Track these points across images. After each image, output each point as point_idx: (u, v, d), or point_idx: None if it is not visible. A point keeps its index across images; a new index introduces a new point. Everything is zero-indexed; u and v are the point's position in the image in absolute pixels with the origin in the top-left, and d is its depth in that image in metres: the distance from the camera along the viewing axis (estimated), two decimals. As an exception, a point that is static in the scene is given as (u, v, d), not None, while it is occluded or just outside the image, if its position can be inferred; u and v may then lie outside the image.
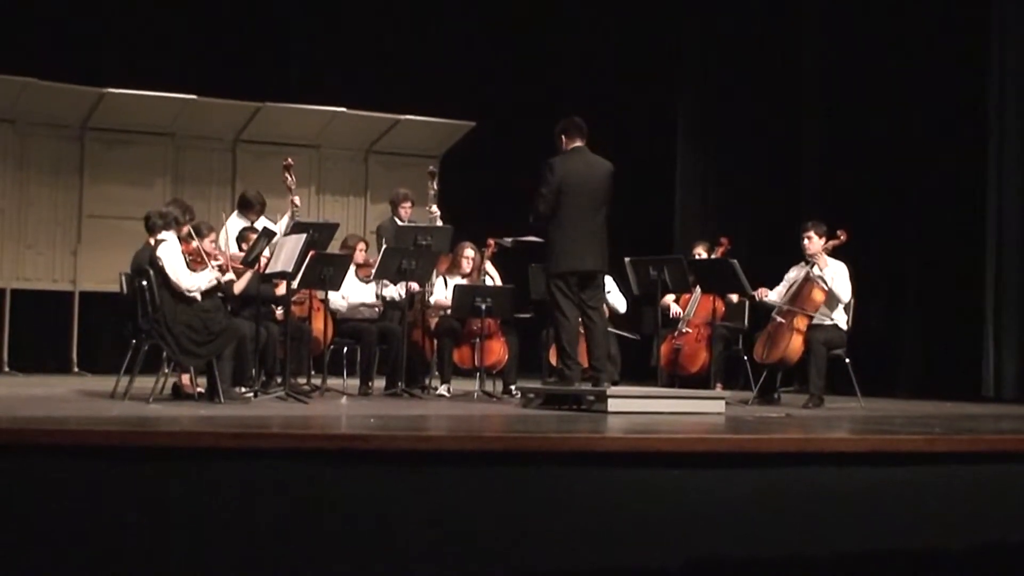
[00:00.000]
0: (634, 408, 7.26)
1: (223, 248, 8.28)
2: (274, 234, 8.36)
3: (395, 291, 9.32)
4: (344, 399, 8.60)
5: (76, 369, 11.51)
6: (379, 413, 7.06)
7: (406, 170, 12.67)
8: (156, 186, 12.00)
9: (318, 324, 8.93)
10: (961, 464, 5.60)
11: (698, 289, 9.58)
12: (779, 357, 8.68)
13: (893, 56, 11.19)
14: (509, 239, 9.57)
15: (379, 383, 9.29)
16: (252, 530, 4.66)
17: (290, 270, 7.92)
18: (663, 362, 9.30)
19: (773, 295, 8.92)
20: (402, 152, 13.09)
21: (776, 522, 5.26)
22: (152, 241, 7.69)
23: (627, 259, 9.15)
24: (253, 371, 8.00)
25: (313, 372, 9.21)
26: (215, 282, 7.66)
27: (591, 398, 7.44)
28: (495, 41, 13.54)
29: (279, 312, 8.60)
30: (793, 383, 9.25)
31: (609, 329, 8.76)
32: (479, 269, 9.60)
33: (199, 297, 7.57)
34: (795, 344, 8.63)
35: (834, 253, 8.81)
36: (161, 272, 7.46)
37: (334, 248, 9.60)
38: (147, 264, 7.55)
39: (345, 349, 9.45)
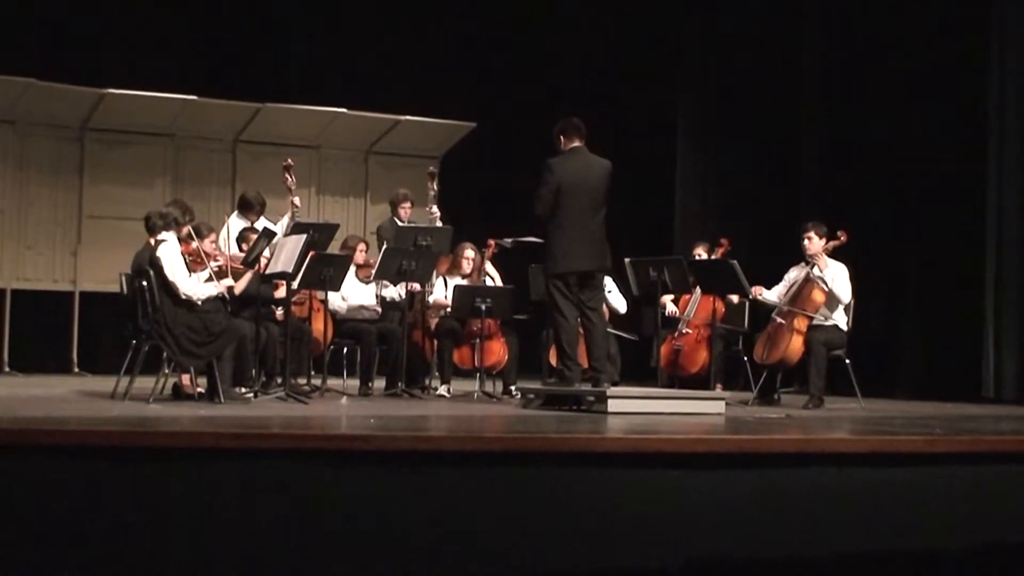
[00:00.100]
0: (634, 409, 7.26)
1: (223, 249, 8.29)
2: (274, 235, 8.37)
3: (395, 292, 9.33)
4: (344, 399, 8.60)
5: (76, 369, 11.51)
6: (379, 413, 7.06)
7: (406, 171, 12.68)
8: (156, 186, 12.00)
9: (318, 325, 8.93)
10: (961, 465, 5.61)
11: (698, 290, 9.58)
12: (779, 358, 8.68)
13: (893, 56, 11.19)
14: (509, 240, 9.58)
15: (379, 384, 9.28)
16: (252, 530, 4.66)
17: (290, 271, 7.92)
18: (663, 363, 9.29)
19: (771, 294, 8.92)
20: (402, 153, 13.10)
21: (776, 522, 5.26)
22: (152, 241, 7.69)
23: (627, 260, 9.15)
24: (253, 371, 8.00)
25: (313, 373, 9.21)
26: (213, 292, 7.66)
27: (591, 399, 7.44)
28: (495, 41, 13.54)
29: (279, 313, 8.60)
30: (793, 384, 9.26)
31: (609, 330, 8.77)
32: (479, 270, 9.61)
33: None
34: (795, 345, 8.63)
35: (834, 254, 8.81)
36: (160, 273, 7.46)
37: (334, 249, 9.60)
38: (147, 265, 7.55)
39: (345, 350, 9.45)
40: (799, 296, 8.73)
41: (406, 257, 8.87)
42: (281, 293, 8.54)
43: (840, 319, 8.78)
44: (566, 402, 7.65)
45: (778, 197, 11.84)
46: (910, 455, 5.55)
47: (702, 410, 7.45)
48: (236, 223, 9.13)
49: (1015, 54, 10.32)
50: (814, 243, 8.72)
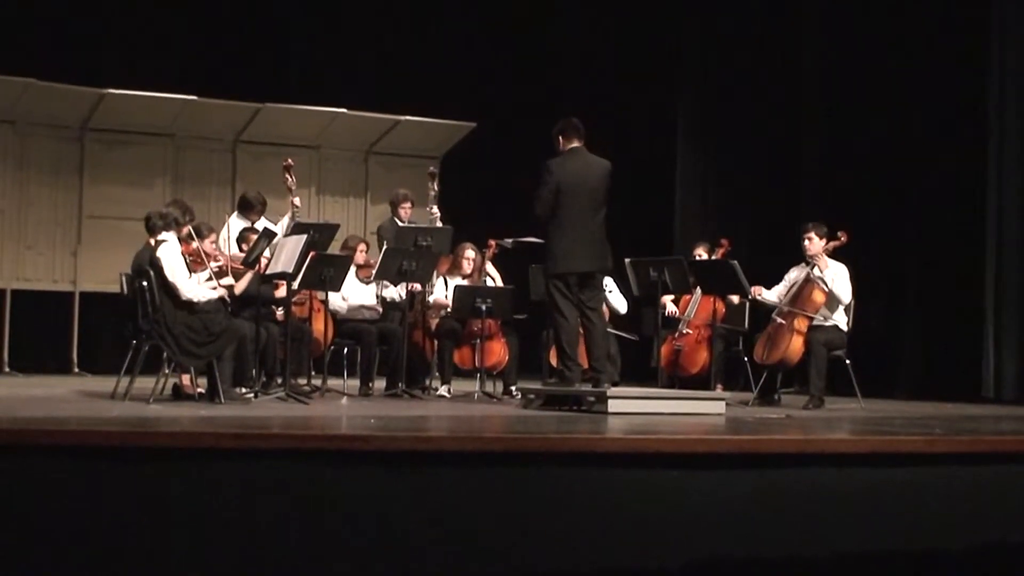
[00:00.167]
0: (634, 409, 7.26)
1: (223, 249, 8.29)
2: (274, 235, 8.37)
3: (395, 292, 9.33)
4: (344, 400, 8.60)
5: (76, 369, 11.52)
6: (379, 414, 7.06)
7: (406, 171, 12.68)
8: (156, 187, 12.00)
9: (318, 325, 8.93)
10: (961, 465, 5.61)
11: (698, 290, 9.58)
12: (779, 358, 8.68)
13: (893, 56, 11.19)
14: (509, 240, 9.58)
15: (379, 384, 9.28)
16: (252, 530, 4.66)
17: (290, 271, 7.92)
18: (663, 363, 9.29)
19: (771, 295, 8.92)
20: (402, 153, 13.10)
21: (776, 523, 5.26)
22: (152, 242, 7.69)
23: (627, 260, 9.15)
24: (253, 372, 8.00)
25: (313, 373, 9.21)
26: (213, 295, 7.66)
27: (591, 399, 7.44)
28: (495, 41, 13.54)
29: (279, 313, 8.60)
30: (793, 384, 9.26)
31: (609, 330, 8.77)
32: (480, 270, 9.60)
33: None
34: (795, 345, 8.63)
35: (834, 254, 8.80)
36: (161, 273, 7.46)
37: (334, 249, 9.60)
38: (147, 265, 7.54)
39: (345, 350, 9.44)
40: (799, 296, 8.73)
41: (406, 257, 8.86)
42: (281, 293, 8.54)
43: (840, 319, 8.77)
44: (566, 402, 7.65)
45: (778, 197, 11.84)
46: (910, 455, 5.55)
47: (702, 410, 7.45)
48: (236, 223, 9.13)
49: (1015, 54, 10.32)
50: (814, 243, 8.72)
